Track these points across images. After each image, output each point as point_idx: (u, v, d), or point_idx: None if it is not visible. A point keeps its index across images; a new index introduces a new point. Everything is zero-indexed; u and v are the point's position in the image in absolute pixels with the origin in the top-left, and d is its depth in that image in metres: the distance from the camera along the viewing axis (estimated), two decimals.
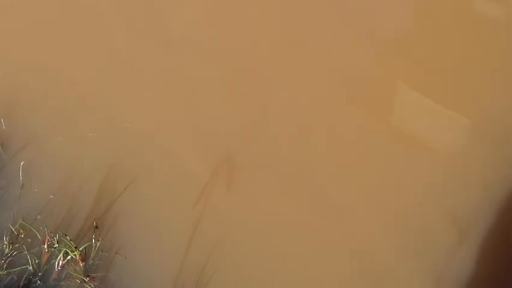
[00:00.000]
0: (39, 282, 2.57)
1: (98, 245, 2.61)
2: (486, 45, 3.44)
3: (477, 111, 3.09)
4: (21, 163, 2.74)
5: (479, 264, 2.51)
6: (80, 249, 2.56)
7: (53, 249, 2.56)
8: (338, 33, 3.40)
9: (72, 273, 2.57)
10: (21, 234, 2.67)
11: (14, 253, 2.63)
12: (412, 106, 3.14)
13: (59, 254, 2.55)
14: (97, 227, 2.64)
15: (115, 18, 3.35)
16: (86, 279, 2.55)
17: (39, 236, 2.61)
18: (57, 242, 2.55)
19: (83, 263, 2.60)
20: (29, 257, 2.57)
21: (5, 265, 2.59)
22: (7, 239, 2.63)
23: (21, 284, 2.56)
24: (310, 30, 3.39)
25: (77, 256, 2.57)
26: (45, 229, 2.58)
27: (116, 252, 2.62)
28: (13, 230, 2.64)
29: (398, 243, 2.61)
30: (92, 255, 2.62)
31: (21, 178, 2.72)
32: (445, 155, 2.93)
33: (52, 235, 2.58)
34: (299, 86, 3.16)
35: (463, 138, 3.00)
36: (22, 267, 2.59)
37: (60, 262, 2.57)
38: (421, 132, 3.02)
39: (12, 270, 2.58)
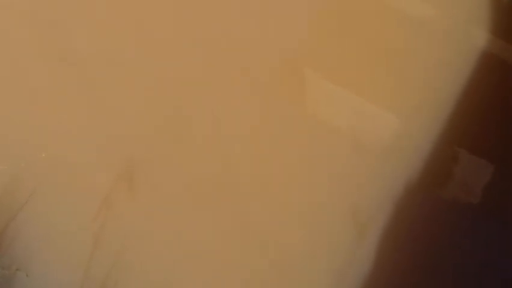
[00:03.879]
0: None
1: None
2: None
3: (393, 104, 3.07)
4: None
5: (379, 262, 2.56)
6: None
7: None
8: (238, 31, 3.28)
9: None
10: None
11: None
12: (323, 94, 3.10)
13: None
14: None
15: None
16: None
17: None
18: None
19: None
20: None
21: None
22: None
23: None
24: (217, 26, 3.26)
25: None
26: None
27: (17, 269, 2.55)
28: None
29: (301, 239, 2.63)
30: None
31: None
32: (355, 144, 2.93)
33: None
34: (211, 83, 3.06)
35: (372, 125, 2.99)
36: None
37: None
38: (330, 120, 2.99)
39: None
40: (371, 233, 2.62)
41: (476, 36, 3.14)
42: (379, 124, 2.93)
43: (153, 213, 2.70)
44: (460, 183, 2.84)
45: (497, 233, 2.75)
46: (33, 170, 2.71)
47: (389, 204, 2.69)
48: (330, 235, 2.61)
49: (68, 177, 2.72)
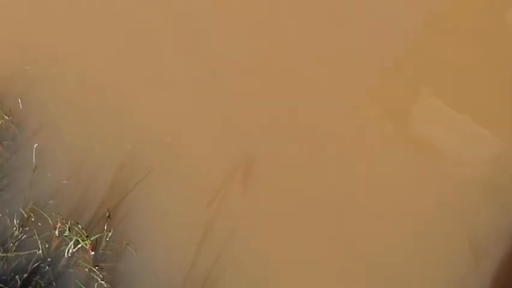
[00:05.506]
0: (47, 267, 2.55)
1: (109, 235, 2.59)
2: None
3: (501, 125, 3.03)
4: (35, 145, 2.70)
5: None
6: (92, 238, 2.54)
7: (64, 236, 2.53)
8: (357, 40, 3.33)
9: (81, 262, 2.55)
10: (32, 217, 2.64)
11: (24, 236, 2.60)
12: (433, 114, 3.09)
13: (70, 241, 2.53)
14: (109, 216, 2.61)
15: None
16: (95, 269, 2.53)
17: (50, 222, 2.58)
18: (69, 230, 2.53)
19: (93, 253, 2.59)
20: (39, 242, 2.55)
21: (13, 248, 2.57)
22: (17, 221, 2.61)
23: (29, 268, 2.54)
24: (329, 37, 3.32)
25: (88, 245, 2.54)
26: (58, 215, 2.55)
27: (127, 244, 2.60)
28: (23, 213, 2.62)
29: (414, 253, 2.58)
30: (102, 245, 2.60)
31: (34, 161, 2.69)
32: (465, 168, 2.89)
33: (64, 222, 2.55)
34: (321, 90, 3.10)
35: (487, 152, 2.94)
36: (31, 251, 2.57)
37: (71, 250, 2.55)
38: (441, 143, 2.97)
39: (21, 253, 2.56)
40: (487, 262, 2.57)
41: None
42: (496, 153, 2.88)
43: (262, 212, 2.72)
44: None
45: None
46: (154, 153, 2.78)
47: (506, 234, 2.63)
48: (446, 263, 2.56)
49: (186, 164, 2.78)
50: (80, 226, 2.52)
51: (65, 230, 2.53)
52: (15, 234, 2.59)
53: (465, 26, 3.43)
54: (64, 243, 2.59)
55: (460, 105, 3.08)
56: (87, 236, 2.52)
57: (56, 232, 2.57)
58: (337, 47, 3.28)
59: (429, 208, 2.72)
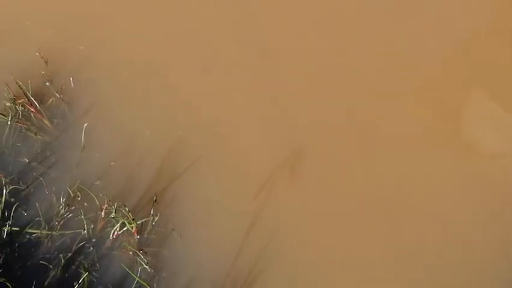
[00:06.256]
0: (91, 248, 2.54)
1: (155, 219, 2.56)
2: None
3: None
4: (85, 125, 2.68)
5: None
6: (138, 222, 2.51)
7: (110, 218, 2.51)
8: (409, 37, 3.26)
9: (126, 245, 2.53)
10: (78, 197, 2.62)
11: (69, 215, 2.59)
12: (484, 115, 3.02)
13: (116, 223, 2.50)
14: (156, 201, 2.58)
15: None
16: (139, 253, 2.51)
17: (97, 202, 2.57)
18: (115, 212, 2.51)
19: (138, 236, 2.56)
20: (84, 222, 2.53)
21: (58, 226, 2.56)
22: (64, 200, 2.60)
23: (74, 247, 2.53)
24: (379, 33, 3.25)
25: (134, 228, 2.52)
26: (105, 197, 2.53)
27: (172, 230, 2.57)
28: (70, 192, 2.61)
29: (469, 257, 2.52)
30: (148, 229, 2.57)
31: (83, 140, 2.67)
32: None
33: (110, 203, 2.53)
34: (376, 87, 3.04)
35: None
36: (76, 231, 2.55)
37: (116, 232, 2.53)
38: (491, 144, 2.90)
39: (66, 232, 2.55)
40: None
41: None
42: None
43: (309, 206, 2.66)
44: None
45: None
46: (204, 140, 2.74)
47: None
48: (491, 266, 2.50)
49: (235, 153, 2.73)
50: (126, 209, 2.49)
51: (111, 212, 2.50)
52: (61, 212, 2.58)
53: None
54: (109, 225, 2.57)
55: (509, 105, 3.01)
56: (133, 219, 2.50)
57: (102, 213, 2.55)
58: (391, 46, 3.22)
59: (482, 204, 2.65)
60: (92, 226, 2.56)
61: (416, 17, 3.37)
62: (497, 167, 2.85)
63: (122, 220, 2.49)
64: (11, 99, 2.70)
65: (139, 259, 2.49)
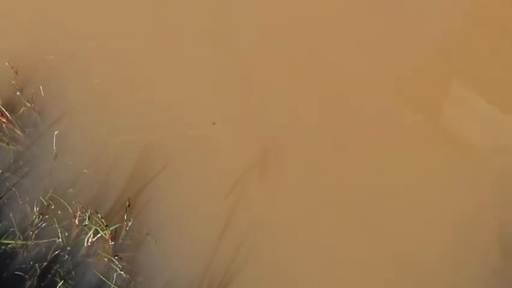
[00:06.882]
0: (67, 256, 2.53)
1: (129, 225, 2.55)
2: None
3: None
4: (55, 133, 2.68)
5: None
6: (111, 228, 2.50)
7: (83, 225, 2.51)
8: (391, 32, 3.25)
9: (100, 252, 2.52)
10: (52, 206, 2.62)
11: (44, 224, 2.58)
12: (464, 106, 3.00)
13: (90, 231, 2.50)
14: (129, 206, 2.58)
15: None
16: (114, 259, 2.50)
17: (70, 210, 2.56)
18: (89, 219, 2.50)
19: (113, 242, 2.55)
20: (59, 230, 2.53)
21: (33, 236, 2.55)
22: (37, 209, 2.59)
23: (49, 256, 2.52)
24: (366, 30, 3.24)
25: (107, 235, 2.51)
26: (78, 204, 2.52)
27: (146, 234, 2.56)
28: (43, 201, 2.60)
29: (443, 250, 2.50)
30: (122, 234, 2.56)
31: (55, 149, 2.66)
32: (497, 158, 2.79)
33: (84, 210, 2.53)
34: (353, 82, 3.02)
35: None
36: (50, 240, 2.55)
37: (90, 239, 2.52)
38: (473, 134, 2.88)
39: (40, 241, 2.54)
40: None
41: None
42: None
43: (282, 204, 2.65)
44: None
45: None
46: (176, 143, 2.74)
47: None
48: (474, 260, 2.48)
49: (205, 155, 2.73)
50: (99, 215, 2.48)
51: (85, 219, 2.50)
52: (35, 222, 2.57)
53: (495, 18, 3.32)
54: (83, 233, 2.56)
55: (489, 96, 2.99)
56: (107, 226, 2.49)
57: (76, 221, 2.55)
58: (371, 39, 3.21)
59: (463, 203, 2.64)
60: (66, 234, 2.56)
61: (395, 14, 3.36)
62: (481, 165, 2.83)
63: (95, 227, 2.48)
64: None
65: (114, 265, 2.49)
